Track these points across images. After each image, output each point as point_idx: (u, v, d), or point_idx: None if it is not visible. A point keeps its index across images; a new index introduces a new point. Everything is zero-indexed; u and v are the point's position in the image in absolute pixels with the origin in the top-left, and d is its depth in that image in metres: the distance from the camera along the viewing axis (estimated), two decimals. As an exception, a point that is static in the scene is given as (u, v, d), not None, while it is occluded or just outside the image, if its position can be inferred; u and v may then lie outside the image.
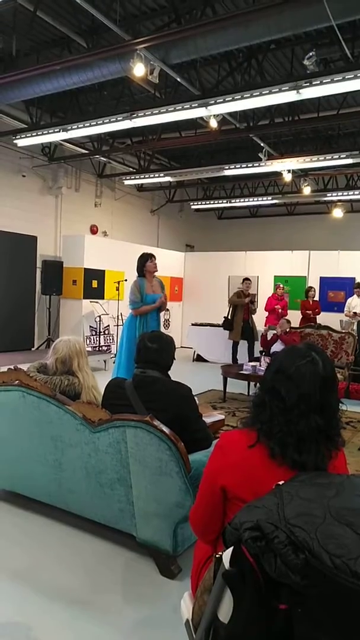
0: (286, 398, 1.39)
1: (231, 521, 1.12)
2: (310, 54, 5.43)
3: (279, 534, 1.00)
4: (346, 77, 5.22)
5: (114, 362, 8.87)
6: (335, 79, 5.29)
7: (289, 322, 7.35)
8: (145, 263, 5.25)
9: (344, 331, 7.48)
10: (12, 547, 2.62)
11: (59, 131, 7.52)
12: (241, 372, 6.30)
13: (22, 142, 8.18)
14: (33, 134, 7.86)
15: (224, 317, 8.83)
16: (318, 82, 5.38)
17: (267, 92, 5.69)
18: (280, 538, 1.00)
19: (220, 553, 1.14)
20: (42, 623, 2.04)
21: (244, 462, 1.41)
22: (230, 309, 8.76)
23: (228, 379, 6.44)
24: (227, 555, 1.10)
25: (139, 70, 5.21)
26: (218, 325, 9.94)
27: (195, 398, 2.64)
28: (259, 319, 10.45)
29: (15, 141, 8.19)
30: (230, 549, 1.10)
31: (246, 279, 8.94)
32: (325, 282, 11.19)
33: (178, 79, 6.18)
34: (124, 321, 10.05)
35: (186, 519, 2.30)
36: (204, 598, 1.31)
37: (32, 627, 2.01)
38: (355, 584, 0.89)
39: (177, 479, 2.24)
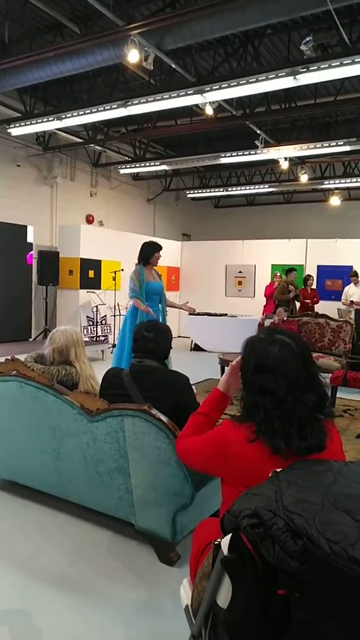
0: (277, 391, 1.38)
1: (229, 509, 1.12)
2: (307, 39, 5.38)
3: (277, 521, 1.01)
4: (344, 62, 5.17)
5: (111, 353, 8.89)
6: (332, 65, 5.24)
7: (286, 310, 7.36)
8: (153, 253, 5.05)
9: (341, 319, 7.48)
10: (13, 536, 2.63)
11: (54, 120, 7.45)
12: (239, 361, 6.31)
13: (16, 131, 8.10)
14: (27, 123, 7.79)
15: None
16: (315, 67, 5.32)
17: (264, 78, 5.64)
18: (279, 525, 1.00)
19: (219, 540, 1.15)
20: (44, 609, 2.06)
21: (245, 455, 1.42)
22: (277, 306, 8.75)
23: (225, 368, 6.45)
24: (225, 542, 1.11)
25: (133, 56, 5.14)
26: (216, 315, 9.94)
27: (193, 387, 2.64)
28: (257, 308, 10.46)
29: (9, 130, 8.11)
30: (229, 536, 1.10)
31: (291, 270, 8.89)
32: (322, 270, 11.19)
33: (173, 66, 6.11)
34: (121, 311, 10.10)
35: (185, 507, 2.31)
36: (203, 584, 1.32)
37: (34, 614, 2.03)
38: (353, 569, 0.90)
39: (175, 467, 2.25)
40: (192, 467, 1.77)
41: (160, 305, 5.19)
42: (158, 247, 5.12)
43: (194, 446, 1.67)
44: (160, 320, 5.05)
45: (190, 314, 9.70)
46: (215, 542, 1.16)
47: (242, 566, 1.07)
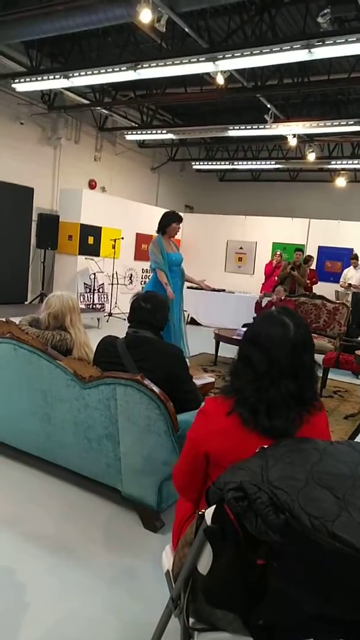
0: (257, 365, 1.38)
1: (215, 481, 1.15)
2: (325, 11, 5.21)
3: (261, 495, 1.03)
4: (360, 38, 5.03)
5: (107, 321, 8.89)
6: (349, 40, 5.10)
7: (285, 290, 7.37)
8: (171, 223, 4.91)
9: (338, 302, 7.49)
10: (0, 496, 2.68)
11: (60, 78, 7.24)
12: (233, 337, 6.34)
13: (21, 87, 7.88)
14: (33, 79, 7.57)
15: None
16: (331, 42, 5.18)
17: (278, 49, 5.49)
18: (263, 499, 1.02)
19: (203, 510, 1.17)
20: (27, 568, 2.11)
21: (226, 429, 1.42)
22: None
23: (220, 343, 6.48)
24: (209, 512, 1.13)
25: (145, 16, 4.99)
26: (214, 290, 9.92)
27: (187, 360, 2.65)
28: (256, 285, 10.43)
29: (13, 85, 7.88)
30: (213, 507, 1.13)
31: (298, 250, 9.00)
32: (323, 251, 11.14)
33: (186, 30, 5.93)
34: (119, 280, 10.06)
35: (172, 476, 2.35)
36: (185, 551, 1.35)
37: (17, 571, 2.08)
38: (331, 543, 0.93)
39: (164, 437, 2.28)
40: (184, 482, 1.60)
41: (179, 280, 5.03)
42: (178, 218, 5.00)
43: (180, 457, 1.62)
44: (177, 297, 4.89)
45: (188, 287, 9.71)
46: (200, 512, 1.19)
47: (223, 536, 1.10)
